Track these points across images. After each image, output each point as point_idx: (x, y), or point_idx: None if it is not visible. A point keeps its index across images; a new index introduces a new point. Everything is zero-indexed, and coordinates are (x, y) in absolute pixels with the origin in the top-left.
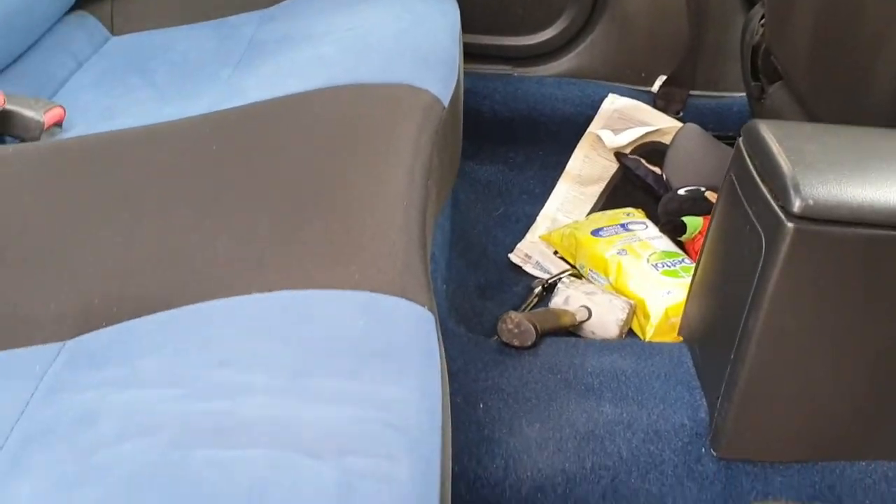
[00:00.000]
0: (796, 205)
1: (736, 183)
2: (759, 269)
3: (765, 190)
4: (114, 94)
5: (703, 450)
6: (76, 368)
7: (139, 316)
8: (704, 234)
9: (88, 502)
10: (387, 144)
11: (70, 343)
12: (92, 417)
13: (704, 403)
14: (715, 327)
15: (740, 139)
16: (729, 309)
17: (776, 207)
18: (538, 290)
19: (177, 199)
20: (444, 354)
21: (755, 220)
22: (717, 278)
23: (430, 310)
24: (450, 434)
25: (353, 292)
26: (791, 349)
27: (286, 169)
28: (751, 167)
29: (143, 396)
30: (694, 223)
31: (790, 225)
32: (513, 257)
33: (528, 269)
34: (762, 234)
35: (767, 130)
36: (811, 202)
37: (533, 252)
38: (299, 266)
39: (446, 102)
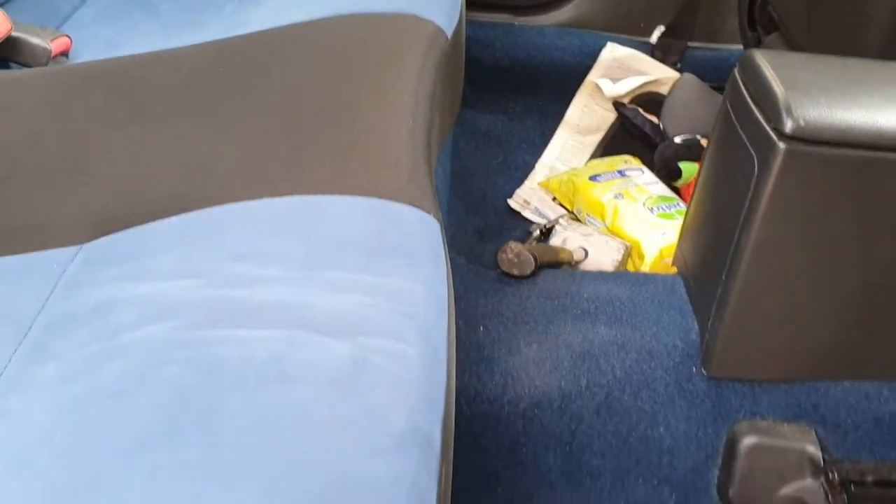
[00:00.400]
0: (788, 126)
1: (730, 109)
2: (752, 190)
3: (758, 113)
4: (118, 26)
5: (694, 369)
6: (94, 267)
7: (153, 220)
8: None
9: (112, 376)
10: (392, 69)
11: (87, 246)
12: (111, 306)
13: (696, 326)
14: (707, 253)
15: (736, 69)
16: (721, 232)
17: (769, 129)
18: (536, 233)
19: (185, 114)
20: (448, 258)
21: (748, 144)
22: (711, 206)
23: (436, 217)
24: (454, 330)
25: (361, 198)
26: (780, 269)
27: (292, 89)
28: (745, 93)
29: (161, 288)
30: (689, 169)
31: (782, 145)
32: (512, 203)
33: (527, 214)
34: (755, 157)
35: (762, 58)
36: (802, 123)
37: (531, 198)
38: (309, 174)
39: (450, 34)
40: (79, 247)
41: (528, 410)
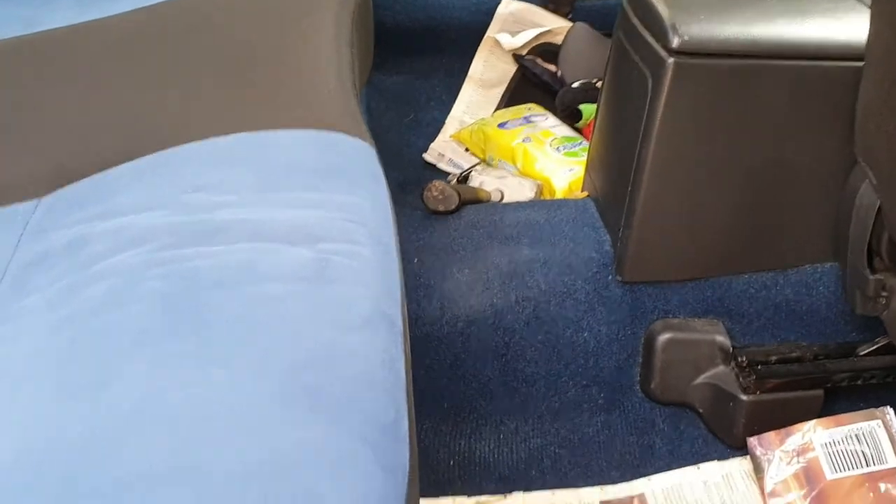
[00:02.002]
0: (675, 42)
1: (622, 37)
2: (647, 107)
3: (647, 35)
4: (34, 5)
5: (610, 277)
6: (57, 213)
7: (107, 168)
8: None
9: (96, 296)
10: (311, 19)
11: (46, 198)
12: (82, 241)
13: (608, 239)
14: (613, 172)
15: (623, 1)
16: (624, 151)
17: (658, 48)
18: (454, 182)
19: (121, 72)
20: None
21: (641, 65)
22: (612, 129)
23: (371, 145)
24: (398, 240)
25: (301, 130)
26: (679, 176)
27: (222, 42)
28: (634, 19)
29: (126, 221)
30: (588, 110)
31: (671, 60)
32: (427, 157)
33: (442, 166)
34: (648, 76)
35: None
36: (687, 38)
37: (445, 150)
38: (250, 113)
39: None
40: (37, 200)
41: (465, 328)
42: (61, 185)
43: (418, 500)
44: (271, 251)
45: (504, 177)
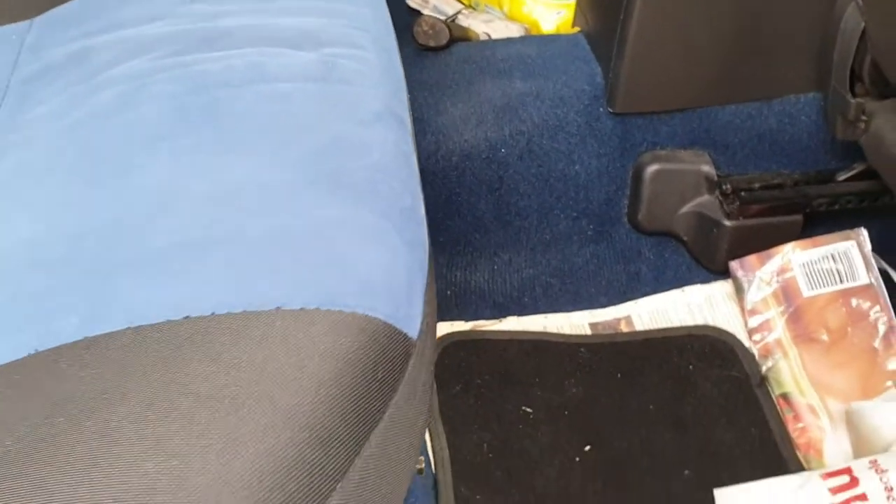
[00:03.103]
0: None
1: None
2: None
3: None
4: None
5: (601, 110)
6: (54, 30)
7: None
8: None
9: (107, 101)
10: None
11: (39, 18)
12: (86, 53)
13: (600, 71)
14: (604, 3)
15: None
16: None
17: None
18: None
19: None
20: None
21: None
22: None
23: None
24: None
25: None
26: (669, 4)
27: None
28: None
29: (129, 33)
30: None
31: None
32: (410, 3)
33: (427, 11)
34: None
35: None
36: None
37: None
38: None
39: None
40: (30, 20)
41: (459, 163)
42: (52, 6)
43: (434, 280)
44: (277, 54)
45: (491, 20)
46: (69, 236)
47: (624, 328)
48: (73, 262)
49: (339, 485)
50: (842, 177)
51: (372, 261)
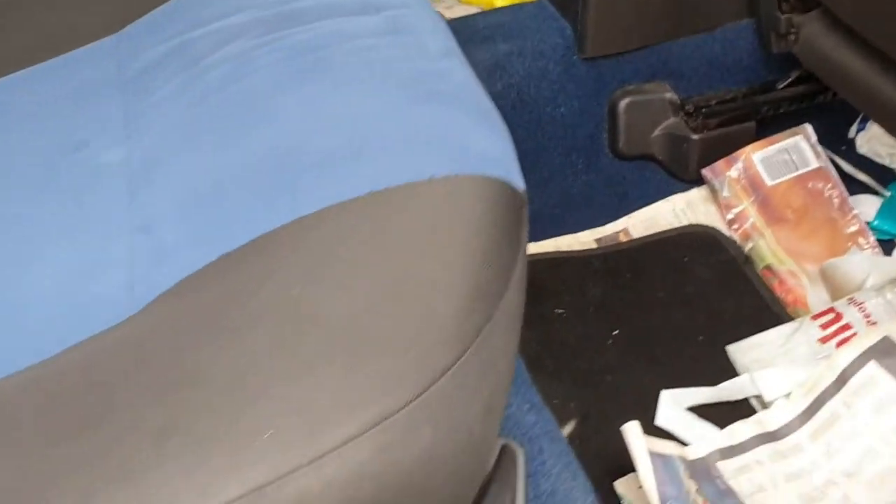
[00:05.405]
0: None
1: None
2: None
3: None
4: None
5: (574, 58)
6: (143, 37)
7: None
8: None
9: (219, 78)
10: None
11: (123, 31)
12: (183, 47)
13: (568, 25)
14: None
15: None
16: None
17: None
18: None
19: None
20: None
21: None
22: None
23: None
24: None
25: None
26: None
27: None
28: None
29: (217, 25)
30: None
31: None
32: None
33: None
34: None
35: None
36: None
37: None
38: None
39: None
40: (116, 34)
41: None
42: (130, 21)
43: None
44: (349, 21)
45: (451, 7)
46: (241, 165)
47: (623, 238)
48: (259, 172)
49: (487, 326)
50: (781, 85)
51: (488, 137)
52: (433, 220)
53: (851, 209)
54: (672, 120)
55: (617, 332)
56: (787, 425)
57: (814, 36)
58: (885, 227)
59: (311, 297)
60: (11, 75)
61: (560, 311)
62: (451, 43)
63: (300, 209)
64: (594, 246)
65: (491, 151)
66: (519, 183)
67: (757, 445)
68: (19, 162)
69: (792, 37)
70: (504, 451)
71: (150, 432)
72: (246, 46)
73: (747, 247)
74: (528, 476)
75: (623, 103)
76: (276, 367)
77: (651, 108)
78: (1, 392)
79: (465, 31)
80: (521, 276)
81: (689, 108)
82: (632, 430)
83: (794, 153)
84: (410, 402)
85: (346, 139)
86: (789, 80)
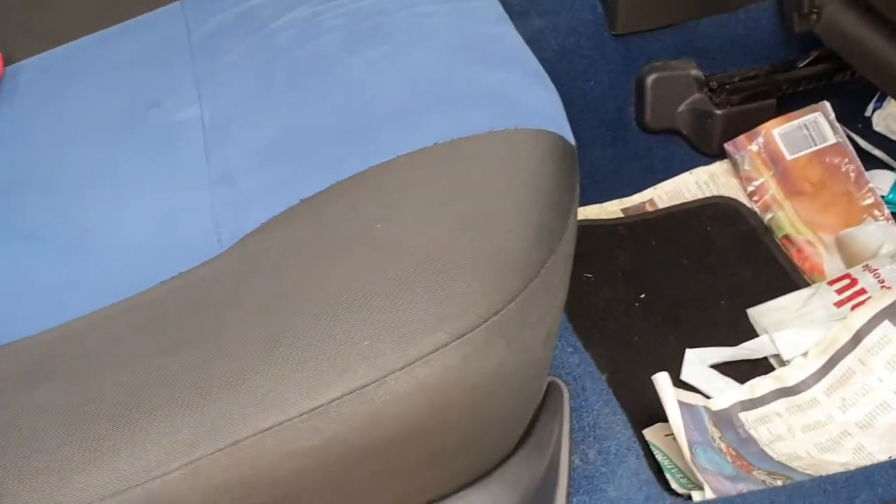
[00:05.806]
0: None
1: None
2: None
3: None
4: None
5: (605, 34)
6: (206, 4)
7: None
8: None
9: (287, 39)
10: None
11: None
12: (249, 13)
13: (600, 3)
14: None
15: None
16: None
17: None
18: None
19: None
20: None
21: None
22: None
23: None
24: None
25: None
26: None
27: None
28: None
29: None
30: None
31: None
32: None
33: None
34: None
35: None
36: None
37: None
38: None
39: None
40: (180, 1)
41: None
42: None
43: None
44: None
45: None
46: (314, 120)
47: (649, 208)
48: (332, 126)
49: (550, 258)
50: (801, 64)
51: (542, 96)
52: (498, 166)
53: (867, 183)
54: (696, 96)
55: (643, 295)
56: (804, 381)
57: (835, 15)
58: None
59: (394, 230)
60: (81, 39)
61: (588, 275)
62: (502, 11)
63: (373, 158)
64: (621, 215)
65: (545, 109)
66: (570, 138)
67: (776, 399)
68: (101, 117)
69: (814, 16)
70: (551, 387)
71: (257, 342)
72: (310, 12)
73: (767, 217)
74: (573, 410)
75: (650, 79)
76: (370, 286)
77: (677, 84)
78: (106, 316)
79: (502, 6)
80: (575, 218)
81: (713, 84)
82: (662, 379)
83: (812, 129)
84: (488, 319)
85: (411, 97)
86: (809, 59)
